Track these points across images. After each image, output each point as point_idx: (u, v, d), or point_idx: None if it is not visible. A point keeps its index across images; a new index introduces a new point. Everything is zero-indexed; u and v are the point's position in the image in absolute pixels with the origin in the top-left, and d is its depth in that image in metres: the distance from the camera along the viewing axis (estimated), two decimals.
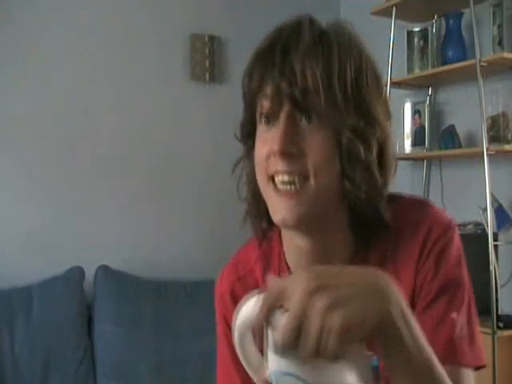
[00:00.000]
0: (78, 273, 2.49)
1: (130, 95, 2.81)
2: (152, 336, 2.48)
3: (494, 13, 2.32)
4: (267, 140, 0.78)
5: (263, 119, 0.79)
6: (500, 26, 2.29)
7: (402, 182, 2.95)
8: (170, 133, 2.91)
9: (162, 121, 2.89)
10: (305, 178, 0.76)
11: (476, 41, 2.23)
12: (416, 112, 2.70)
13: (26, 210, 2.59)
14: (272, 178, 0.78)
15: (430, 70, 2.54)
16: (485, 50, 2.34)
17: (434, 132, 2.68)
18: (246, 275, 0.91)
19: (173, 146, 2.92)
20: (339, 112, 0.75)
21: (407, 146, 2.74)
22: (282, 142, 0.75)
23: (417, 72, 2.62)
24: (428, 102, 2.70)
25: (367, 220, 0.81)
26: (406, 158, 2.84)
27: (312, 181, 0.76)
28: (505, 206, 2.27)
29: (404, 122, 2.74)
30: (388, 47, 2.61)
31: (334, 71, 0.75)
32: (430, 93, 2.76)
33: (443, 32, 2.59)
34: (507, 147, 2.20)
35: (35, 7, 2.59)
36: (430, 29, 2.62)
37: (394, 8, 2.57)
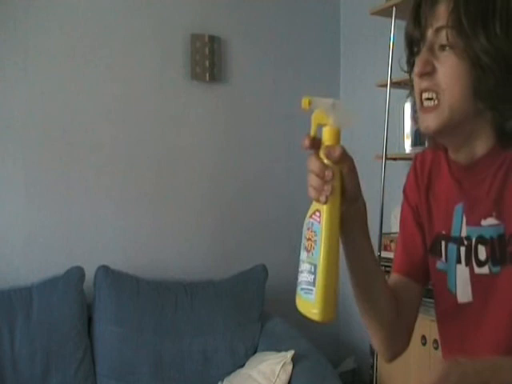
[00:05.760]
0: (77, 273, 2.49)
1: (130, 95, 2.81)
2: (152, 336, 2.48)
3: None
4: (416, 62, 0.97)
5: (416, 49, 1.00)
6: None
7: (402, 181, 2.95)
8: (170, 133, 2.91)
9: (162, 121, 2.89)
10: (438, 94, 0.94)
11: None
12: (416, 112, 2.70)
13: (26, 210, 2.59)
14: (420, 97, 0.97)
15: None
16: None
17: None
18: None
19: (173, 145, 2.92)
20: (467, 41, 0.90)
21: (407, 146, 2.73)
22: (420, 66, 0.95)
23: None
24: None
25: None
26: (406, 158, 2.83)
27: (444, 95, 0.93)
28: None
29: (404, 121, 2.73)
30: (388, 47, 2.60)
31: (460, 12, 0.91)
32: None
33: None
34: None
35: (35, 7, 2.59)
36: None
37: (394, 8, 2.56)
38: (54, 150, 2.65)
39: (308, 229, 0.86)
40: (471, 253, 0.98)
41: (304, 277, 0.86)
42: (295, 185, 3.28)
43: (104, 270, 2.55)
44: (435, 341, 2.28)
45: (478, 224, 0.97)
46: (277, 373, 2.26)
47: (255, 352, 2.58)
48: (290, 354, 2.29)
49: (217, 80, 2.98)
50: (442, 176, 1.07)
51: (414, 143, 2.71)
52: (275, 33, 3.18)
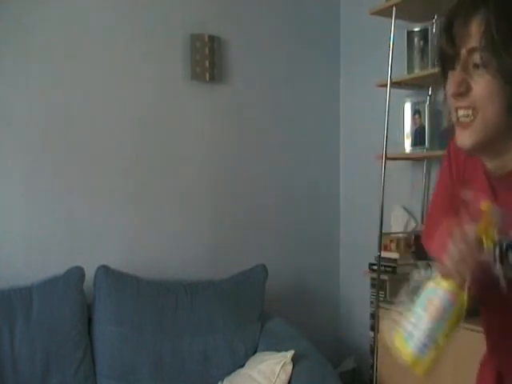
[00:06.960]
0: (77, 273, 2.48)
1: (130, 95, 2.81)
2: (152, 336, 2.48)
3: None
4: (451, 81, 1.02)
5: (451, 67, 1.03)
6: None
7: (402, 181, 2.96)
8: (170, 133, 2.92)
9: (162, 121, 2.89)
10: (474, 110, 0.98)
11: None
12: (416, 112, 2.70)
13: (26, 210, 2.59)
14: (456, 113, 1.01)
15: (430, 70, 2.54)
16: None
17: (433, 132, 2.68)
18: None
19: (173, 145, 2.92)
20: (501, 60, 0.94)
21: (407, 146, 2.74)
22: (454, 86, 0.99)
23: (417, 72, 2.62)
24: (428, 102, 2.70)
25: None
26: (406, 158, 2.84)
27: (479, 112, 0.97)
28: None
29: (404, 121, 2.74)
30: (388, 47, 2.61)
31: (493, 32, 0.94)
32: (429, 93, 2.76)
33: None
34: None
35: (35, 7, 2.59)
36: (429, 29, 2.62)
37: (394, 8, 2.57)
38: (54, 149, 2.65)
39: (435, 294, 0.96)
40: (502, 255, 1.01)
41: (418, 333, 0.96)
42: (295, 185, 3.29)
43: (104, 270, 2.55)
44: None
45: (506, 234, 1.00)
46: (277, 373, 2.26)
47: (255, 352, 2.58)
48: (289, 354, 2.29)
49: (217, 80, 2.98)
50: (478, 178, 1.10)
51: (414, 143, 2.72)
52: (275, 33, 3.18)
